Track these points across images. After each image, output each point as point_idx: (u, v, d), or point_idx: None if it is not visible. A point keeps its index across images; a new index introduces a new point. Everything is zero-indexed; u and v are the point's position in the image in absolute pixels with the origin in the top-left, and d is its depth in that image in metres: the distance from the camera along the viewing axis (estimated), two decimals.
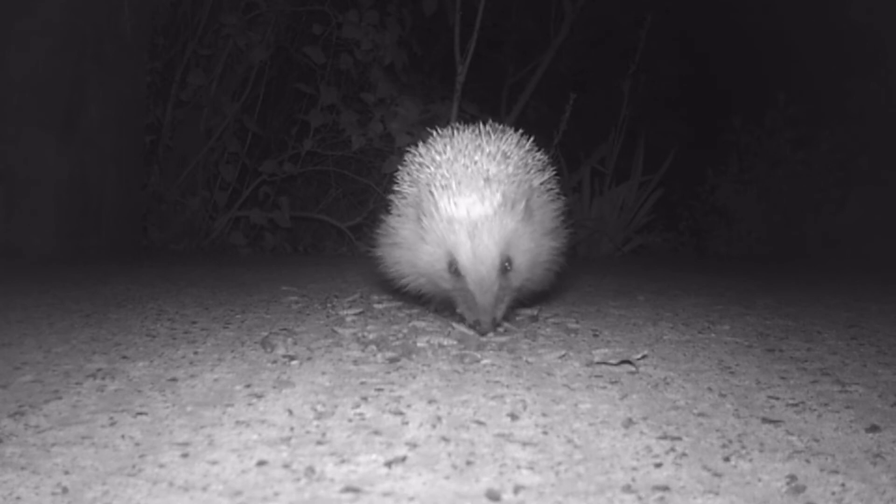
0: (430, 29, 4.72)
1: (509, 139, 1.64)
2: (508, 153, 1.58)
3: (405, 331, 1.58)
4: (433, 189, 1.47)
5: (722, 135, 5.49)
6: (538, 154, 1.70)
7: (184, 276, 2.59)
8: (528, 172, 1.59)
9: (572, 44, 5.27)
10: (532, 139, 1.72)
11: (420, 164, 1.62)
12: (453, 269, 1.45)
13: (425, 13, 4.00)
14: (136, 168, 3.72)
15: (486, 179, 1.46)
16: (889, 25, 4.73)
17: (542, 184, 1.62)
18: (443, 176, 1.49)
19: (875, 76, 4.95)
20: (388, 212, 1.68)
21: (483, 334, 1.50)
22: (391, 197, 1.70)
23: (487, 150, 1.56)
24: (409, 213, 1.56)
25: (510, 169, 1.53)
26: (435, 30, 4.84)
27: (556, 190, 1.69)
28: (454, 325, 1.62)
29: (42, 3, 2.97)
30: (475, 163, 1.51)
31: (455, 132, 1.66)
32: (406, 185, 1.64)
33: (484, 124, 1.69)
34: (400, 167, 1.72)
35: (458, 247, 1.42)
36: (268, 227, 4.17)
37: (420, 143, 1.71)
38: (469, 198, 1.43)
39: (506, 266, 1.45)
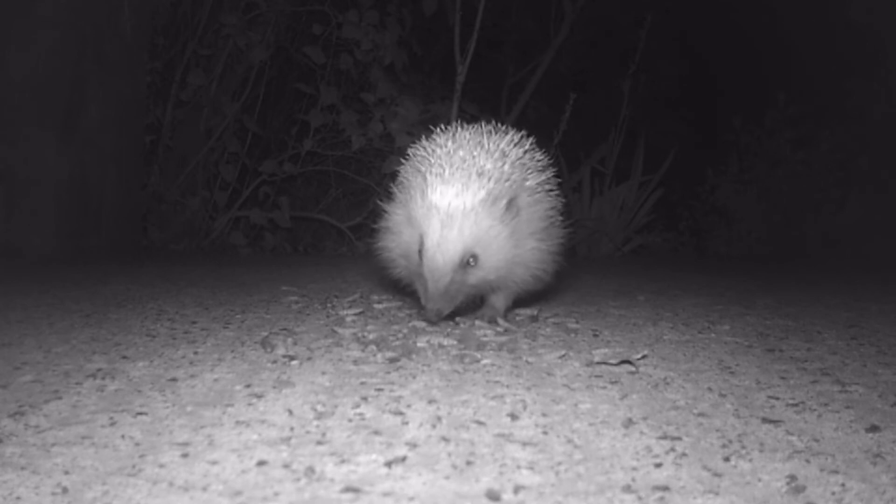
0: (430, 29, 4.72)
1: (511, 139, 1.66)
2: (507, 152, 1.59)
3: (405, 331, 1.58)
4: (427, 175, 1.51)
5: (722, 135, 5.49)
6: (539, 154, 1.70)
7: (184, 276, 2.59)
8: (525, 172, 1.60)
9: (572, 44, 5.27)
10: (532, 139, 1.73)
11: (422, 155, 1.65)
12: (420, 252, 1.49)
13: (425, 13, 4.00)
14: (136, 168, 3.72)
15: (479, 174, 1.48)
16: (889, 25, 4.73)
17: (538, 184, 1.62)
18: (439, 165, 1.53)
19: (875, 76, 4.95)
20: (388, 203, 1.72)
21: (426, 321, 1.56)
22: (392, 186, 1.73)
23: (487, 146, 1.58)
24: (402, 198, 1.61)
25: (506, 167, 1.54)
26: (435, 30, 4.83)
27: (554, 191, 1.69)
28: (455, 322, 1.62)
29: (42, 2, 2.96)
30: (473, 157, 1.54)
31: (459, 129, 1.68)
32: (406, 173, 1.67)
33: (487, 124, 1.70)
34: (403, 159, 1.74)
35: (428, 232, 1.47)
36: (268, 227, 4.17)
37: (425, 138, 1.73)
38: (453, 188, 1.46)
39: (468, 262, 1.47)
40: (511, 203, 1.49)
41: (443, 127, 1.73)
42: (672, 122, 5.79)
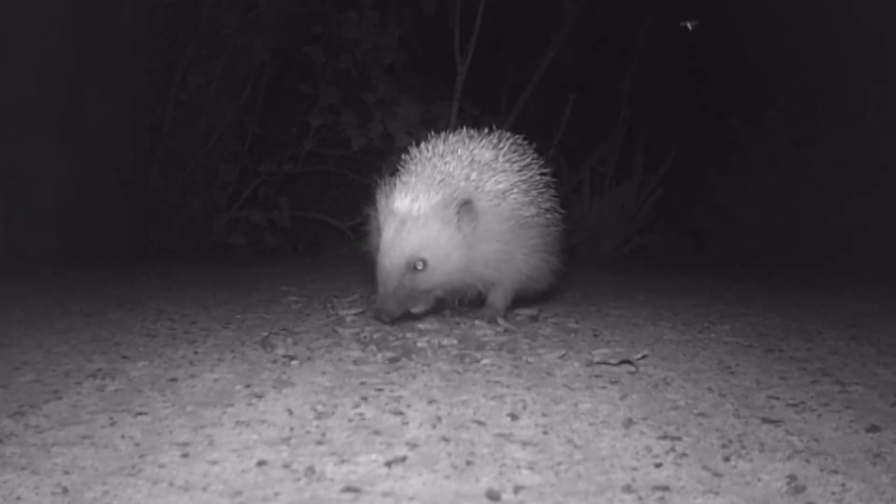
0: (430, 29, 4.72)
1: (490, 141, 1.66)
2: (479, 156, 1.61)
3: (405, 331, 1.58)
4: (396, 181, 1.57)
5: (722, 135, 5.49)
6: (519, 154, 1.69)
7: (184, 276, 2.59)
8: (495, 174, 1.60)
9: (572, 44, 5.27)
10: (521, 141, 1.74)
11: (407, 160, 1.69)
12: None
13: (425, 13, 4.00)
14: (136, 168, 3.71)
15: (440, 181, 1.52)
16: (889, 25, 4.73)
17: (511, 185, 1.61)
18: (409, 172, 1.58)
19: (875, 76, 4.95)
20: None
21: (377, 319, 1.59)
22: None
23: (459, 153, 1.61)
24: (379, 202, 1.65)
25: (473, 174, 1.56)
26: (435, 30, 4.83)
27: (539, 190, 1.68)
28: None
29: (42, 2, 2.96)
30: (445, 163, 1.58)
31: (447, 134, 1.71)
32: (400, 175, 1.69)
33: (479, 127, 1.72)
34: (403, 159, 1.76)
35: (383, 236, 1.53)
36: (268, 227, 4.17)
37: (424, 140, 1.74)
38: (411, 195, 1.51)
39: (416, 267, 1.51)
40: (466, 206, 1.50)
41: (434, 132, 1.75)
42: (672, 122, 5.78)
